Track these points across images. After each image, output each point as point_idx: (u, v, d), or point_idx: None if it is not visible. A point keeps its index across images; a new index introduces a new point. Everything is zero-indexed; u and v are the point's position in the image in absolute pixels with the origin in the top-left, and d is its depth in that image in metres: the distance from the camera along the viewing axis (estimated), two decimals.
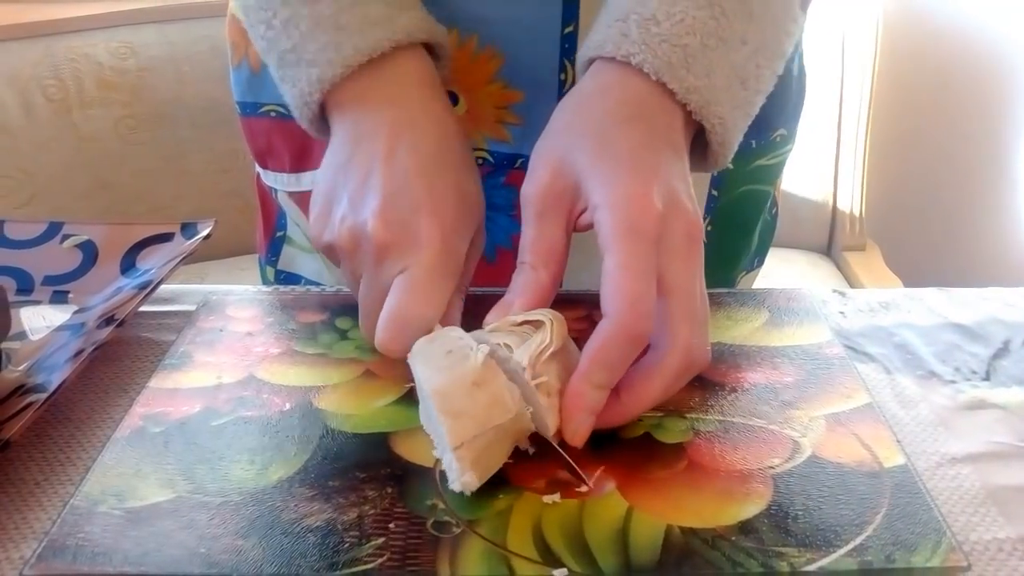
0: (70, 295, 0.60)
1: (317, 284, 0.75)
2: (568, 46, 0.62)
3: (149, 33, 1.66)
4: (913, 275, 1.83)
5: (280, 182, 0.74)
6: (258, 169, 0.76)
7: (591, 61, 0.53)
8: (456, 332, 0.47)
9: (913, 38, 1.84)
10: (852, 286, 1.75)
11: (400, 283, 0.48)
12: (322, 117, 0.55)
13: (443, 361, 0.44)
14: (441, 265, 0.49)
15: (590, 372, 0.44)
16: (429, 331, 0.47)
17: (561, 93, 0.62)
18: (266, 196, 0.77)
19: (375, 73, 0.53)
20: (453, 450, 0.42)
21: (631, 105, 0.50)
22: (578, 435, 0.45)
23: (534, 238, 0.49)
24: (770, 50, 0.54)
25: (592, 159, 0.48)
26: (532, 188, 0.49)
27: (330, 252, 0.52)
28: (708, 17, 0.51)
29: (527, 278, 0.48)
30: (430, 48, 0.56)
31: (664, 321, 0.45)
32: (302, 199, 0.71)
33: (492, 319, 0.48)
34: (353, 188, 0.50)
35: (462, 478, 0.42)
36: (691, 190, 0.49)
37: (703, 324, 0.47)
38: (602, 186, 0.46)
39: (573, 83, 0.61)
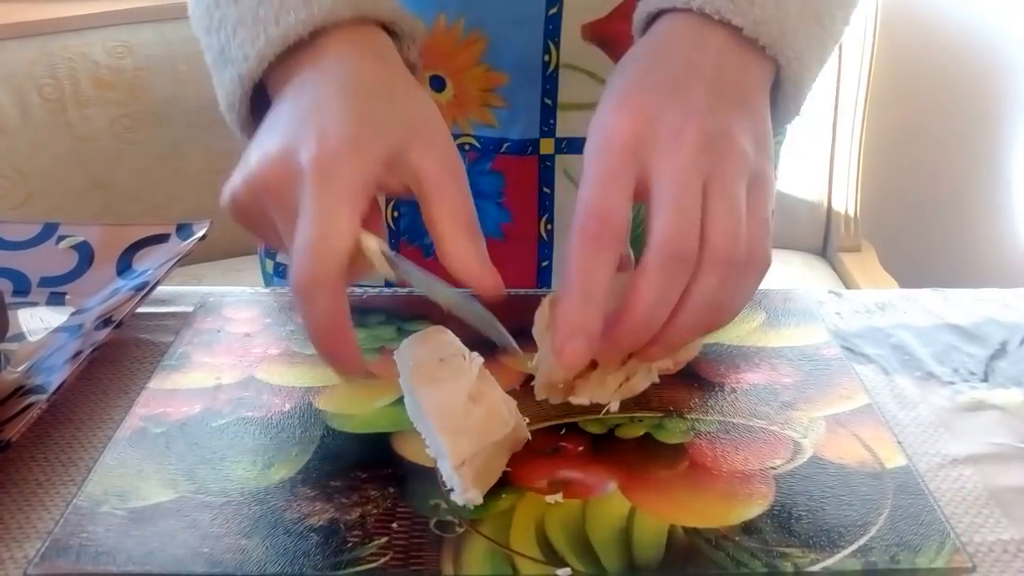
0: (67, 297, 0.60)
1: None
2: (552, 27, 0.62)
3: (146, 32, 1.65)
4: (908, 276, 1.83)
5: None
6: None
7: (651, 20, 0.49)
8: (446, 336, 0.46)
9: (910, 37, 1.84)
10: (847, 287, 1.75)
11: (300, 217, 0.43)
12: (252, 119, 0.51)
13: (437, 372, 0.44)
14: (323, 188, 0.42)
15: (566, 283, 0.41)
16: (344, 252, 0.42)
17: (545, 75, 0.63)
18: None
19: (304, 57, 0.48)
20: (455, 468, 0.42)
21: (702, 63, 0.46)
22: (565, 352, 0.41)
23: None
24: None
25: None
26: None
27: (239, 215, 0.46)
28: None
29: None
30: (392, 32, 0.51)
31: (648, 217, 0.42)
32: None
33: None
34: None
35: (466, 495, 0.42)
36: (756, 132, 0.45)
37: (693, 214, 0.42)
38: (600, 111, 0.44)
39: (557, 65, 0.62)
